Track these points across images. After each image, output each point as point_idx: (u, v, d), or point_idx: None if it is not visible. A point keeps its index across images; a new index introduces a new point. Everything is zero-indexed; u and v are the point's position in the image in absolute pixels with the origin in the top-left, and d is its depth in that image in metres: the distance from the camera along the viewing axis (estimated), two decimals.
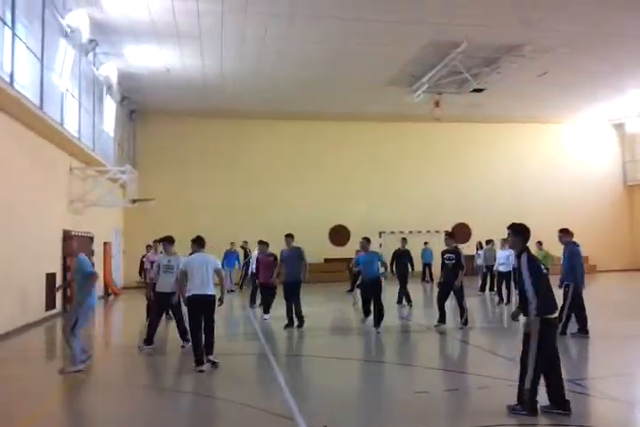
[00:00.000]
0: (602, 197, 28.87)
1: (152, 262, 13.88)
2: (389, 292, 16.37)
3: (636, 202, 29.19)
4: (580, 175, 28.53)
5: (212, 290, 8.24)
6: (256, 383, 7.65)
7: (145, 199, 19.10)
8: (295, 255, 11.73)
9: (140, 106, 24.02)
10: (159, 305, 9.70)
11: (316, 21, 15.50)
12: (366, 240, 11.73)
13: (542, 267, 5.89)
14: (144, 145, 25.02)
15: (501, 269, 15.63)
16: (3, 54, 10.92)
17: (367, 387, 7.37)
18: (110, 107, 20.13)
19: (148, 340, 9.52)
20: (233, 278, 21.33)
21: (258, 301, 14.93)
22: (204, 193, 24.99)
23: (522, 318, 5.96)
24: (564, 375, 5.90)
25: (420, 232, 25.54)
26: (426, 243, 23.60)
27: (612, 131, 29.63)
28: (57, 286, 11.44)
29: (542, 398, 5.66)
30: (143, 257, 15.86)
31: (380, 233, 25.16)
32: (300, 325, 11.62)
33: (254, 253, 15.55)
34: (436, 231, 24.50)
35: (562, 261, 10.08)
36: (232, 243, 21.12)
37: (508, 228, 6.09)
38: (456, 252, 11.48)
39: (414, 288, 15.75)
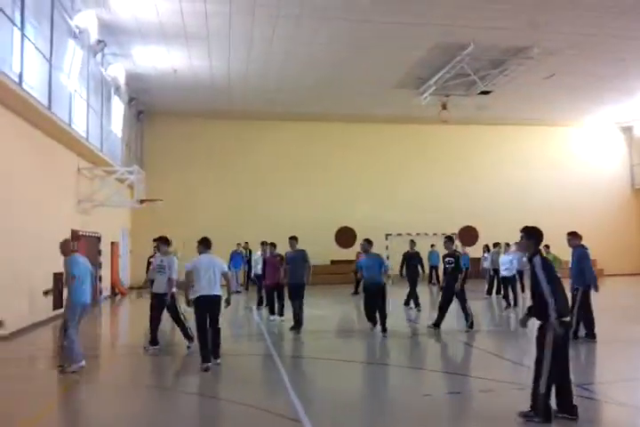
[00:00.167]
0: (609, 200, 28.74)
1: None
2: (398, 294, 16.38)
3: None
4: (588, 178, 28.42)
5: (218, 291, 8.29)
6: (261, 384, 7.64)
7: (152, 200, 19.15)
8: (299, 257, 11.65)
9: (148, 107, 24.11)
10: (154, 305, 9.69)
11: (323, 23, 15.52)
12: (367, 242, 11.22)
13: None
14: (151, 146, 25.12)
15: (505, 273, 15.56)
16: (12, 55, 10.97)
17: (372, 389, 7.35)
18: (118, 107, 20.20)
19: (153, 340, 9.54)
20: (239, 279, 21.36)
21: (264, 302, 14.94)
22: (211, 194, 25.05)
23: (530, 324, 5.87)
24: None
25: (426, 235, 25.47)
26: (432, 245, 23.51)
27: (619, 134, 29.50)
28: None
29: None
30: (150, 257, 15.91)
31: (387, 235, 25.12)
32: (296, 326, 11.38)
33: (257, 254, 15.54)
34: (443, 234, 24.28)
35: (570, 265, 10.02)
36: (238, 244, 21.18)
37: (521, 231, 5.96)
38: (455, 255, 11.43)
39: (421, 291, 15.68)
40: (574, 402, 5.62)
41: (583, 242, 10.20)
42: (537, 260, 5.66)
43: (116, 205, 18.93)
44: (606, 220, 28.06)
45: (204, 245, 8.65)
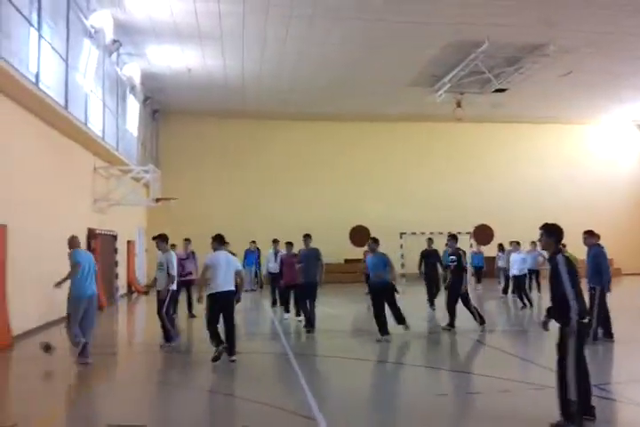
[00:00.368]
0: (627, 198, 28.41)
1: (180, 259, 14.09)
2: (413, 293, 16.34)
3: None
4: (605, 177, 28.11)
5: (232, 287, 8.45)
6: (276, 382, 7.66)
7: (167, 198, 19.25)
8: (312, 256, 11.50)
9: (163, 106, 24.26)
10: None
11: (336, 23, 15.50)
12: (373, 241, 10.74)
13: None
14: (167, 145, 25.30)
15: (516, 272, 15.44)
16: (29, 55, 11.09)
17: (386, 388, 7.34)
18: (133, 107, 20.34)
19: (168, 338, 9.59)
20: (252, 278, 21.39)
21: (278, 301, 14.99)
22: (224, 192, 25.17)
23: (550, 326, 5.71)
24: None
25: (441, 233, 25.17)
26: (447, 244, 23.40)
27: (637, 132, 29.15)
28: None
29: None
30: None
31: (401, 234, 25.05)
32: (307, 325, 11.27)
33: (269, 253, 15.57)
34: (458, 232, 24.16)
35: (586, 264, 9.93)
36: (251, 242, 21.08)
37: (541, 228, 5.73)
38: (457, 254, 11.36)
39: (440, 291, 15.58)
40: (592, 402, 5.57)
41: (600, 241, 10.11)
42: (560, 259, 5.46)
43: (131, 204, 19.05)
44: (624, 218, 27.77)
45: (219, 241, 8.74)
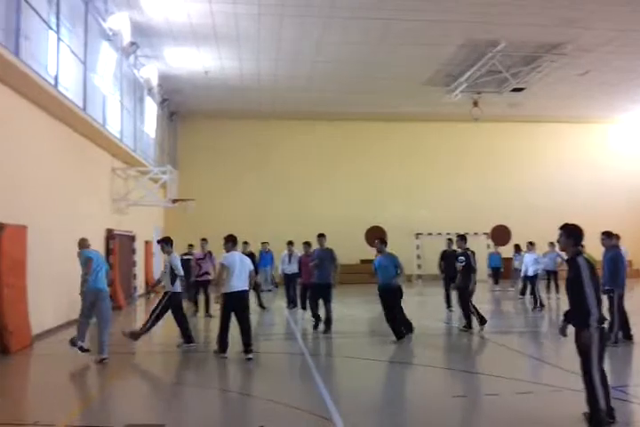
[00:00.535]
0: None
1: (197, 260, 14.22)
2: (430, 294, 16.28)
3: None
4: (626, 176, 27.71)
5: (246, 287, 8.67)
6: (292, 382, 7.67)
7: (184, 199, 19.37)
8: (327, 256, 11.41)
9: (180, 107, 24.43)
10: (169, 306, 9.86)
11: (352, 22, 15.48)
12: (381, 242, 10.58)
13: None
14: (183, 146, 25.50)
15: (528, 273, 15.29)
16: (48, 57, 11.22)
17: (403, 389, 7.32)
18: (151, 108, 20.49)
19: (186, 338, 9.66)
20: (270, 278, 21.44)
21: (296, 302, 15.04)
22: (241, 192, 25.29)
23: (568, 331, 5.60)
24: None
25: (457, 234, 25.17)
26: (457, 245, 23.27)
27: None
28: None
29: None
30: (183, 255, 16.11)
31: (417, 234, 24.97)
32: (316, 327, 11.24)
33: (283, 254, 15.64)
34: (475, 233, 24.13)
35: (602, 265, 9.76)
36: (265, 243, 20.97)
37: (561, 228, 5.55)
38: (466, 254, 11.27)
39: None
40: (611, 405, 5.50)
41: (620, 242, 9.97)
42: (582, 261, 5.26)
43: (149, 205, 19.21)
44: None
45: (233, 242, 8.88)
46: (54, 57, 11.20)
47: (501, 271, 21.49)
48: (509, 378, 7.41)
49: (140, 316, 15.93)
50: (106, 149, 15.51)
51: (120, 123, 16.44)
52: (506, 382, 7.26)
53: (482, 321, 11.17)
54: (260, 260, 20.23)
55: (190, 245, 16.02)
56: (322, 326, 11.29)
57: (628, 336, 9.64)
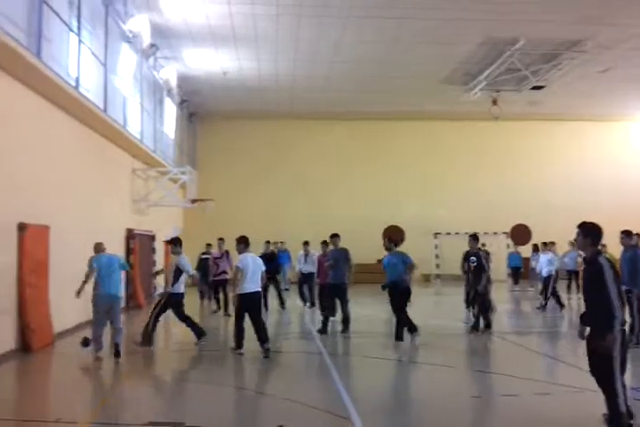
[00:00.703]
0: None
1: (215, 259, 14.37)
2: (449, 294, 16.19)
3: None
4: None
5: (259, 288, 8.95)
6: (311, 381, 7.69)
7: (204, 200, 19.50)
8: (342, 256, 11.35)
9: (199, 108, 24.60)
10: (172, 305, 9.96)
11: (369, 21, 15.44)
12: (389, 240, 10.46)
13: None
14: (202, 146, 25.68)
15: (544, 273, 15.14)
16: (69, 59, 11.38)
17: (421, 389, 7.30)
18: (170, 109, 20.66)
19: (196, 333, 9.76)
20: (286, 277, 21.47)
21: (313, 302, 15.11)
22: (260, 192, 25.37)
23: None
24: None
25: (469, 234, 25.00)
26: (483, 245, 23.10)
27: None
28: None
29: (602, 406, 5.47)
30: (202, 254, 16.25)
31: (436, 234, 24.85)
32: (323, 329, 11.10)
33: (299, 254, 15.73)
34: (494, 233, 23.96)
35: (620, 265, 9.62)
36: (281, 242, 20.99)
37: (578, 227, 5.35)
38: (478, 255, 11.17)
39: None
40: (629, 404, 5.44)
41: None
42: (605, 264, 5.05)
43: (168, 205, 19.37)
44: None
45: (245, 243, 9.06)
46: (75, 59, 11.34)
47: (521, 271, 21.30)
48: (527, 378, 7.36)
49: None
50: (126, 150, 15.68)
51: (140, 124, 16.61)
52: (524, 383, 7.21)
53: (474, 327, 11.10)
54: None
55: (208, 245, 16.14)
56: (334, 328, 11.31)
57: None
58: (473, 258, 11.18)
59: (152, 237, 18.34)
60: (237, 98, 22.61)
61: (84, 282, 8.91)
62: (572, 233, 5.62)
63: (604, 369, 5.09)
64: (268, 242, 15.54)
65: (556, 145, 26.99)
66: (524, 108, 23.73)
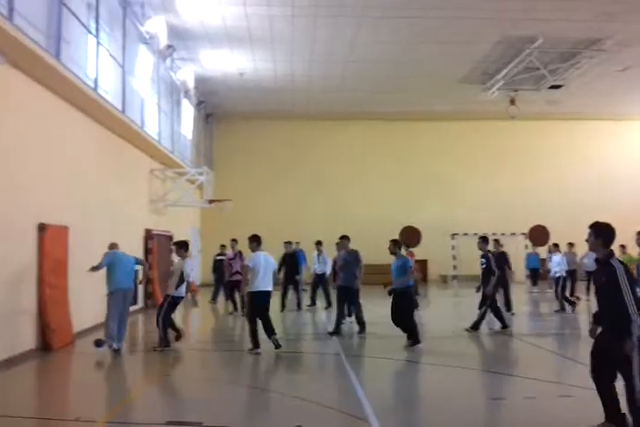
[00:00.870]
0: None
1: (229, 260, 14.45)
2: (466, 295, 16.06)
3: None
4: None
5: (270, 287, 9.07)
6: (328, 382, 7.66)
7: (221, 200, 19.57)
8: (352, 258, 11.28)
9: (216, 109, 24.72)
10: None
11: (384, 21, 15.39)
12: (394, 244, 10.46)
13: None
14: (219, 147, 25.80)
15: (556, 274, 14.95)
16: (87, 61, 11.49)
17: (439, 391, 7.23)
18: (187, 110, 20.77)
19: (165, 344, 9.61)
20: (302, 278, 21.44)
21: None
22: (277, 193, 25.44)
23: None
24: None
25: (494, 234, 24.79)
26: (501, 245, 22.88)
27: None
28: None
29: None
30: (217, 255, 16.29)
31: (453, 235, 24.67)
32: (336, 330, 10.98)
33: (313, 255, 15.77)
34: (512, 233, 23.73)
35: (637, 266, 9.50)
36: (296, 242, 20.97)
37: (590, 227, 5.21)
38: (487, 256, 11.07)
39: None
40: None
41: None
42: (619, 267, 4.93)
43: (186, 206, 19.49)
44: None
45: (257, 242, 9.14)
46: (94, 60, 11.45)
47: (540, 273, 21.09)
48: (547, 381, 7.28)
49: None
50: (144, 151, 15.78)
51: (158, 125, 16.72)
52: (546, 385, 7.13)
53: (474, 327, 11.01)
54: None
55: (222, 246, 16.23)
56: (351, 329, 11.34)
57: None
58: (482, 260, 11.10)
59: (170, 238, 18.42)
60: (254, 99, 22.68)
61: (94, 268, 9.26)
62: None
63: (621, 373, 5.02)
64: (289, 242, 15.50)
65: (575, 144, 26.71)
66: (542, 108, 23.53)
